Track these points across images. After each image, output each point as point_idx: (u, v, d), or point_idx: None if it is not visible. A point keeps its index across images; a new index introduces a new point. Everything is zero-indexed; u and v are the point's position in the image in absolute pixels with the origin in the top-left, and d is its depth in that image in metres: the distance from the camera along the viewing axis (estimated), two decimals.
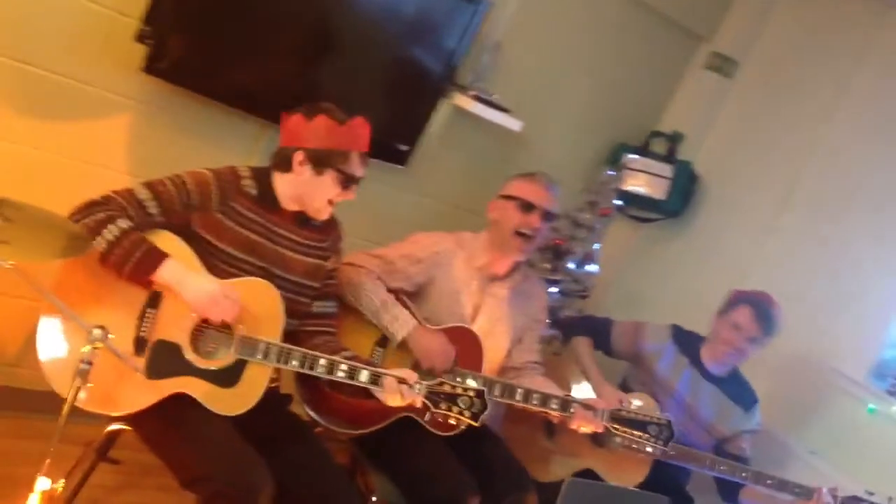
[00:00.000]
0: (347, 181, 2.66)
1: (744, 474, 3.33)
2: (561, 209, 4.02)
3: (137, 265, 2.42)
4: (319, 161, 2.63)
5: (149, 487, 3.25)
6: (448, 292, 3.13)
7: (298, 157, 2.64)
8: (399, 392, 2.58)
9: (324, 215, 2.73)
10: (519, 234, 3.13)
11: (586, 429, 3.07)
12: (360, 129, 2.69)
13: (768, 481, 3.30)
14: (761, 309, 3.40)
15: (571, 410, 3.04)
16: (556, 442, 3.43)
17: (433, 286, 3.14)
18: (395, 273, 3.09)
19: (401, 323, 2.97)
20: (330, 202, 2.69)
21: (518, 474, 3.08)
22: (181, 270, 2.47)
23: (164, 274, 2.44)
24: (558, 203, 3.23)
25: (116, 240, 2.40)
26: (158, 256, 2.45)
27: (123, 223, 2.43)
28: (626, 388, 3.66)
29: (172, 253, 2.49)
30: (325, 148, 2.63)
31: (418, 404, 2.61)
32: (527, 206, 3.14)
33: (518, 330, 3.26)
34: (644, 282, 4.78)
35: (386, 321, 2.97)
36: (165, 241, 2.52)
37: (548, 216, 3.17)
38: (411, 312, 3.01)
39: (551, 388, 3.14)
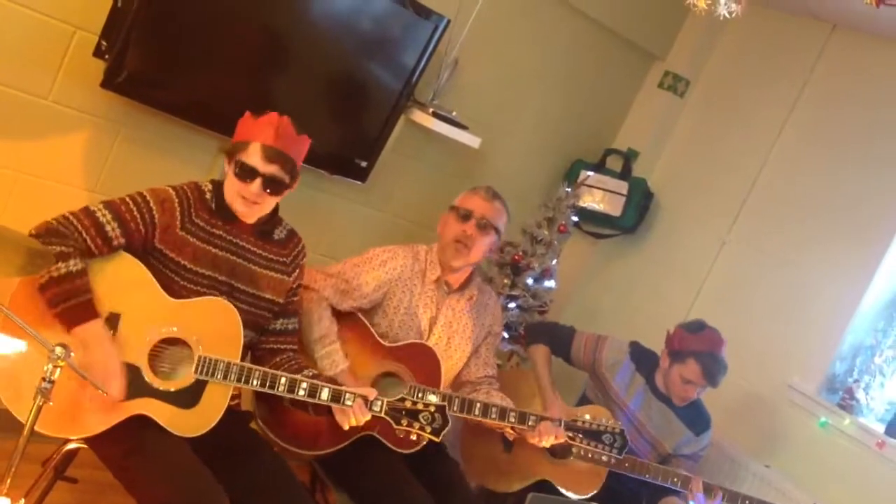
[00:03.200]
0: (242, 171, 2.56)
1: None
2: (518, 224, 4.07)
3: (66, 311, 2.37)
4: (229, 153, 2.62)
5: None
6: (404, 307, 3.13)
7: (225, 155, 2.66)
8: (354, 412, 2.59)
9: (245, 215, 2.63)
10: (456, 241, 3.13)
11: (548, 442, 3.09)
12: (266, 122, 2.59)
13: (719, 493, 3.36)
14: (709, 365, 3.42)
15: (530, 423, 3.06)
16: (513, 454, 3.45)
17: (389, 301, 3.13)
18: (351, 291, 3.07)
19: (331, 362, 2.95)
20: (243, 199, 2.59)
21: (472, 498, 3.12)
22: (97, 336, 2.40)
23: (85, 331, 2.39)
24: (503, 216, 3.21)
25: (59, 278, 2.35)
26: (87, 314, 2.40)
27: (74, 264, 2.38)
28: (585, 399, 3.70)
29: (127, 273, 2.46)
30: (234, 140, 2.63)
31: (361, 422, 2.61)
32: (464, 216, 3.15)
33: (475, 342, 3.27)
34: (601, 296, 4.83)
35: (318, 355, 2.95)
36: (119, 261, 2.49)
37: (485, 225, 3.14)
38: (344, 354, 2.98)
39: (507, 403, 3.16)
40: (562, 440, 3.10)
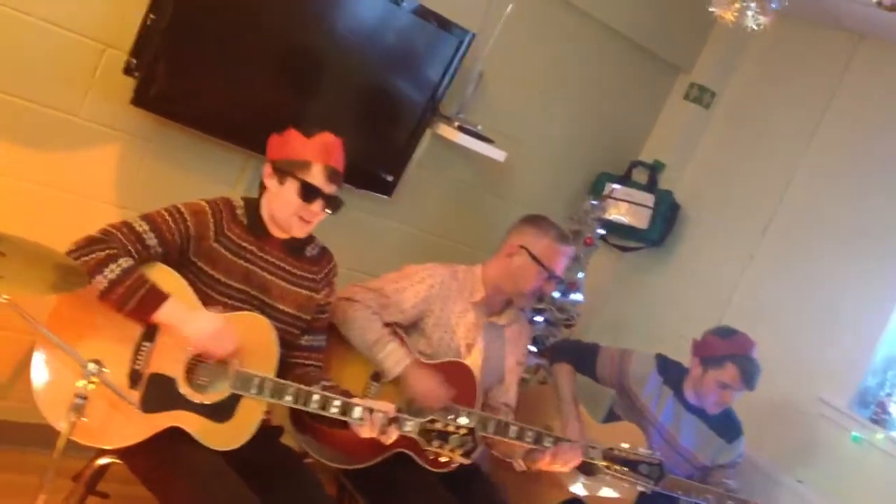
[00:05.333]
0: (307, 192, 2.60)
1: (729, 502, 3.34)
2: None
3: (139, 305, 2.40)
4: (281, 170, 2.62)
5: None
6: (443, 325, 3.13)
7: (267, 170, 2.66)
8: (380, 428, 2.59)
9: (298, 232, 2.68)
10: (533, 293, 3.24)
11: (565, 467, 3.08)
12: (326, 143, 2.65)
13: None
14: (746, 367, 3.39)
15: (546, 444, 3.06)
16: (544, 471, 3.44)
17: (428, 319, 3.13)
18: (391, 306, 3.07)
19: (396, 360, 2.95)
20: (301, 218, 2.65)
21: None
22: (181, 309, 2.46)
23: (165, 313, 2.43)
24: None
25: (118, 279, 2.38)
26: (160, 296, 2.43)
27: (125, 262, 2.41)
28: (613, 415, 3.68)
29: (167, 286, 2.48)
30: (287, 158, 2.63)
31: (389, 440, 2.61)
32: (549, 277, 3.20)
33: (505, 369, 3.28)
34: (628, 310, 4.81)
35: (380, 357, 2.95)
36: (160, 274, 2.51)
37: (560, 281, 3.36)
38: (407, 349, 3.01)
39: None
40: (576, 463, 3.08)
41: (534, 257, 3.17)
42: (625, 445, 3.13)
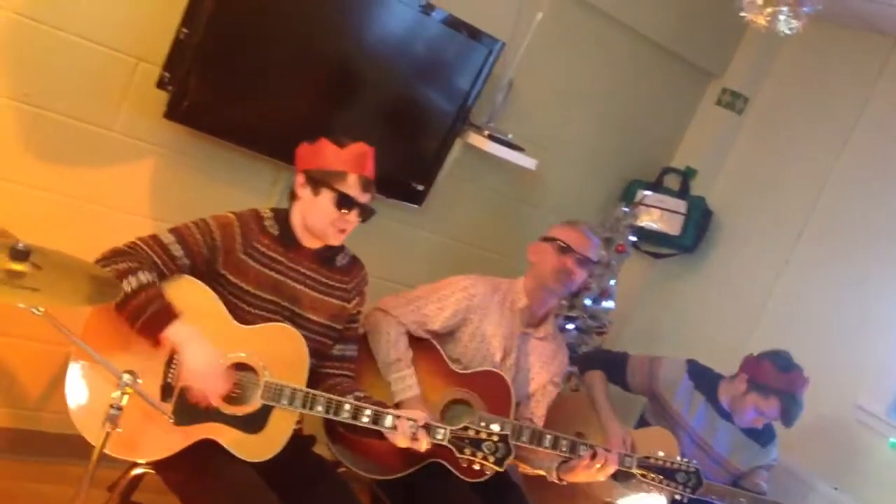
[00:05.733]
0: (343, 201, 2.62)
1: None
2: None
3: (148, 321, 2.39)
4: (315, 180, 2.63)
5: None
6: (480, 335, 3.14)
7: (300, 180, 2.67)
8: (410, 435, 2.58)
9: (333, 241, 2.70)
10: (557, 271, 3.16)
11: (604, 474, 3.05)
12: (359, 153, 2.67)
13: None
14: (789, 407, 3.37)
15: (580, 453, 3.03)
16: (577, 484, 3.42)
17: (465, 328, 3.14)
18: (431, 317, 3.09)
19: (403, 387, 2.96)
20: (336, 227, 2.66)
21: None
22: (188, 333, 2.43)
23: (172, 334, 2.41)
24: (597, 253, 3.30)
25: (133, 292, 2.38)
26: (170, 315, 2.42)
27: (144, 276, 2.41)
28: (643, 422, 3.66)
29: (195, 299, 2.50)
30: (321, 168, 2.64)
31: (422, 448, 2.60)
32: (564, 249, 3.17)
33: (537, 384, 3.27)
34: (660, 317, 4.78)
35: (392, 378, 2.97)
36: (188, 287, 2.53)
37: (585, 262, 3.20)
38: (416, 380, 3.00)
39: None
40: (612, 471, 3.05)
41: (547, 238, 3.22)
42: (660, 454, 3.10)
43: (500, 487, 3.03)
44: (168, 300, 2.44)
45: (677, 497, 3.15)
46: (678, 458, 3.11)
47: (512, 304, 3.18)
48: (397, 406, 2.94)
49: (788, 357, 3.46)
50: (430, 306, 3.10)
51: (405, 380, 2.97)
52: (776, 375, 3.41)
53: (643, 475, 3.07)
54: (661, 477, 3.06)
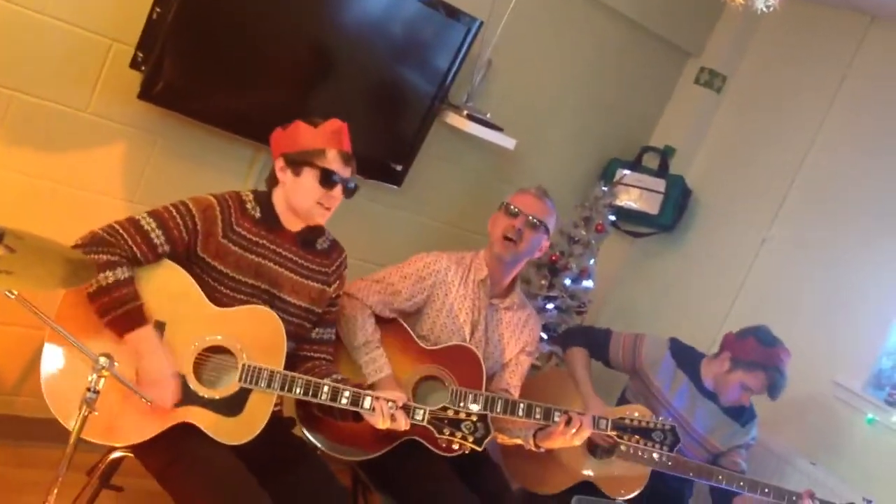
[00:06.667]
0: (326, 177, 2.61)
1: (741, 483, 3.34)
2: (558, 225, 4.05)
3: (117, 319, 2.40)
4: (295, 162, 2.62)
5: None
6: (446, 310, 3.14)
7: (279, 164, 2.66)
8: (390, 416, 2.59)
9: (320, 220, 2.69)
10: (504, 238, 3.14)
11: (579, 438, 3.04)
12: (335, 129, 2.66)
13: (765, 489, 3.31)
14: (776, 380, 3.40)
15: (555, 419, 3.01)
16: (553, 455, 3.43)
17: (432, 304, 3.14)
18: (397, 295, 3.10)
19: (374, 368, 2.96)
20: (321, 205, 2.65)
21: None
22: (149, 342, 2.44)
23: (135, 338, 2.42)
24: (552, 215, 3.23)
25: (108, 287, 2.39)
26: (139, 320, 2.43)
27: (122, 272, 2.41)
28: (623, 400, 3.67)
29: (171, 283, 2.49)
30: (300, 149, 2.63)
31: (401, 429, 2.61)
32: (513, 213, 3.16)
33: (508, 354, 3.27)
34: (640, 296, 4.80)
35: (362, 361, 2.97)
36: (165, 271, 2.51)
37: (533, 223, 3.16)
38: (387, 360, 3.00)
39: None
40: (587, 434, 3.03)
41: (503, 203, 3.21)
42: (635, 415, 3.09)
43: (475, 462, 3.03)
44: (141, 303, 2.44)
45: (657, 456, 3.16)
46: (653, 418, 3.11)
47: (474, 277, 3.18)
48: (371, 388, 2.93)
49: (769, 331, 3.49)
50: (394, 286, 3.10)
51: (375, 361, 2.97)
52: (760, 350, 3.43)
53: (618, 436, 3.05)
54: (638, 437, 3.04)
